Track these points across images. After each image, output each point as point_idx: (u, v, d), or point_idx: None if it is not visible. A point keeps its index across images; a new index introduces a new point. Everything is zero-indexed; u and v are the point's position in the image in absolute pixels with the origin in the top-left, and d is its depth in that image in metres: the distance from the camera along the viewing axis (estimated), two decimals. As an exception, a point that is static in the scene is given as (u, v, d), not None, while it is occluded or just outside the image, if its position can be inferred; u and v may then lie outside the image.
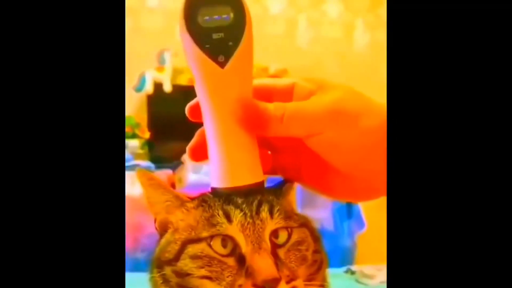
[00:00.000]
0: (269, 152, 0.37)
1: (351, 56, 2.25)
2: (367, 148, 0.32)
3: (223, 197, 0.34)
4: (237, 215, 0.33)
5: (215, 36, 0.31)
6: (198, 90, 0.32)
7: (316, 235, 0.38)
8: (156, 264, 0.36)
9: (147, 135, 1.92)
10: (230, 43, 0.31)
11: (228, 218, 0.34)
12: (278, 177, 0.38)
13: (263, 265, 0.32)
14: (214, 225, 0.34)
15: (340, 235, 1.60)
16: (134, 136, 1.87)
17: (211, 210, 0.35)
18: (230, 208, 0.34)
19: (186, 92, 1.79)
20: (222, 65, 0.31)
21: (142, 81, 1.95)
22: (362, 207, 1.66)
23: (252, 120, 0.32)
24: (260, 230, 0.33)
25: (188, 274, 0.34)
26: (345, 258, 1.48)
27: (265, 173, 0.35)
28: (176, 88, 1.92)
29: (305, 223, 0.37)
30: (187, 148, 0.35)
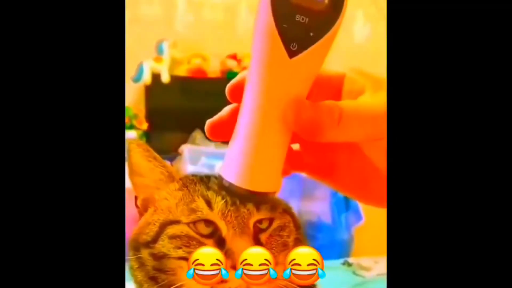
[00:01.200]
0: (297, 146, 0.33)
1: (351, 48, 2.24)
2: None
3: (207, 183, 0.33)
4: (218, 203, 0.33)
5: (298, 18, 0.26)
6: (251, 72, 0.27)
7: (298, 223, 0.38)
8: (133, 245, 0.36)
9: (144, 126, 1.91)
10: (311, 33, 0.26)
11: (209, 205, 0.34)
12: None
13: (244, 248, 0.31)
14: (194, 211, 0.33)
15: (338, 227, 1.60)
16: (131, 127, 1.87)
17: (191, 196, 0.34)
18: (211, 194, 0.34)
19: (184, 83, 1.78)
20: (292, 54, 0.26)
21: (139, 71, 1.94)
22: (360, 200, 1.66)
23: (304, 124, 0.27)
24: (245, 218, 0.33)
25: (165, 256, 0.33)
26: (342, 250, 1.49)
27: (289, 171, 0.31)
28: (174, 79, 1.90)
29: (286, 210, 0.37)
30: (207, 123, 0.30)
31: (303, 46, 0.26)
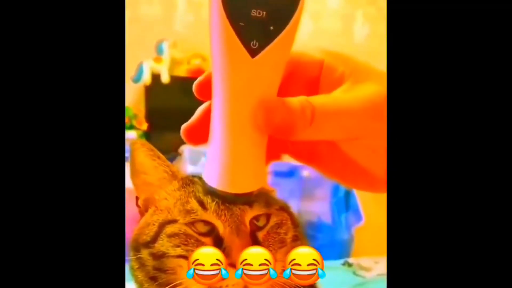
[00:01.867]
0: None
1: (351, 48, 2.24)
2: None
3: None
4: (210, 203, 0.33)
5: (254, 13, 0.23)
6: (215, 76, 0.25)
7: (296, 221, 0.38)
8: (133, 246, 0.36)
9: (144, 126, 1.91)
10: (271, 28, 0.24)
11: (202, 206, 0.34)
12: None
13: (241, 246, 0.32)
14: (189, 212, 0.34)
15: (338, 228, 1.60)
16: (131, 127, 1.87)
17: (186, 197, 0.35)
18: (204, 195, 0.34)
19: (184, 84, 1.78)
20: (253, 53, 0.24)
21: (139, 71, 1.94)
22: (360, 200, 1.66)
23: (275, 126, 0.25)
24: (240, 216, 0.34)
25: (164, 255, 0.33)
26: (342, 250, 1.49)
27: (276, 155, 0.30)
28: (174, 79, 1.90)
29: (284, 208, 0.37)
30: (182, 128, 0.29)
31: (264, 43, 0.24)
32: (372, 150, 0.28)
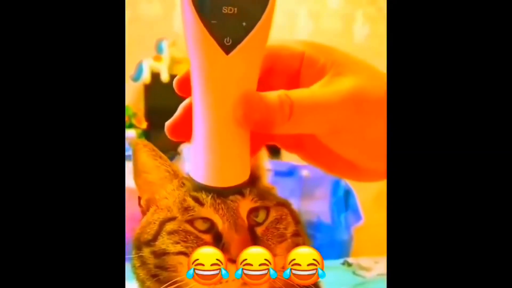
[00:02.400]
0: None
1: (351, 48, 2.24)
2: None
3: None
4: (206, 198, 0.34)
5: (225, 10, 0.23)
6: (192, 73, 0.26)
7: (297, 218, 0.38)
8: (135, 245, 0.37)
9: (144, 125, 1.91)
10: (244, 23, 0.24)
11: (199, 202, 0.34)
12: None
13: (240, 241, 0.32)
14: (187, 210, 0.34)
15: (337, 227, 1.60)
16: (131, 126, 1.87)
17: (183, 195, 0.35)
18: (198, 191, 0.34)
19: (184, 82, 1.78)
20: (227, 50, 0.24)
21: (139, 70, 1.94)
22: (359, 199, 1.67)
23: (254, 121, 0.26)
24: (234, 208, 0.34)
25: (165, 253, 0.34)
26: (341, 250, 1.49)
27: (262, 143, 0.30)
28: (174, 78, 1.90)
29: (283, 203, 0.38)
30: (166, 125, 0.29)
31: (238, 39, 0.24)
32: (353, 143, 0.28)
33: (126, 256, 0.33)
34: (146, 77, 1.93)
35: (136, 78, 1.94)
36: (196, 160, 0.27)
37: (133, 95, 1.98)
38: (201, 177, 0.27)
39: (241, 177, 0.27)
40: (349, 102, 0.26)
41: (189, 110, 0.27)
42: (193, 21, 0.24)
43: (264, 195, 0.36)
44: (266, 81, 0.28)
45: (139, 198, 0.38)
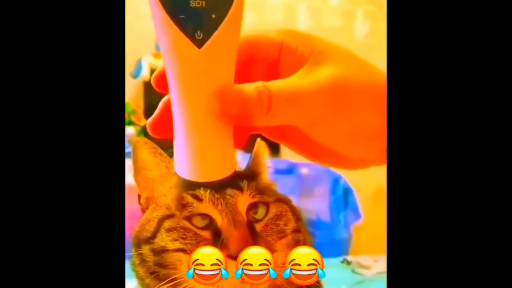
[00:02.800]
0: None
1: (351, 46, 2.24)
2: (372, 130, 0.27)
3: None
4: (205, 194, 0.34)
5: (193, 3, 0.23)
6: (167, 70, 0.25)
7: (298, 215, 0.38)
8: (135, 242, 0.37)
9: (143, 122, 1.91)
10: (213, 16, 0.23)
11: (197, 198, 0.34)
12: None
13: (238, 237, 0.32)
14: (186, 206, 0.34)
15: (336, 226, 1.60)
16: (130, 123, 1.86)
17: (181, 192, 0.35)
18: (196, 187, 0.34)
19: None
20: (199, 43, 0.24)
21: (138, 67, 1.93)
22: (358, 198, 1.67)
23: (232, 115, 0.25)
24: (232, 203, 0.34)
25: (164, 250, 0.34)
26: (340, 248, 1.49)
27: (246, 134, 0.30)
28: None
29: (282, 199, 0.38)
30: (147, 122, 0.29)
31: (208, 32, 0.23)
32: (335, 133, 0.27)
33: (126, 254, 0.33)
34: (145, 74, 1.93)
35: (135, 75, 1.94)
36: (179, 157, 0.27)
37: (133, 92, 1.98)
38: (186, 173, 0.27)
39: (226, 171, 0.27)
40: (328, 92, 0.25)
41: (168, 107, 0.27)
42: (161, 17, 0.23)
43: (263, 190, 0.36)
44: (245, 71, 0.27)
45: (139, 196, 0.39)
